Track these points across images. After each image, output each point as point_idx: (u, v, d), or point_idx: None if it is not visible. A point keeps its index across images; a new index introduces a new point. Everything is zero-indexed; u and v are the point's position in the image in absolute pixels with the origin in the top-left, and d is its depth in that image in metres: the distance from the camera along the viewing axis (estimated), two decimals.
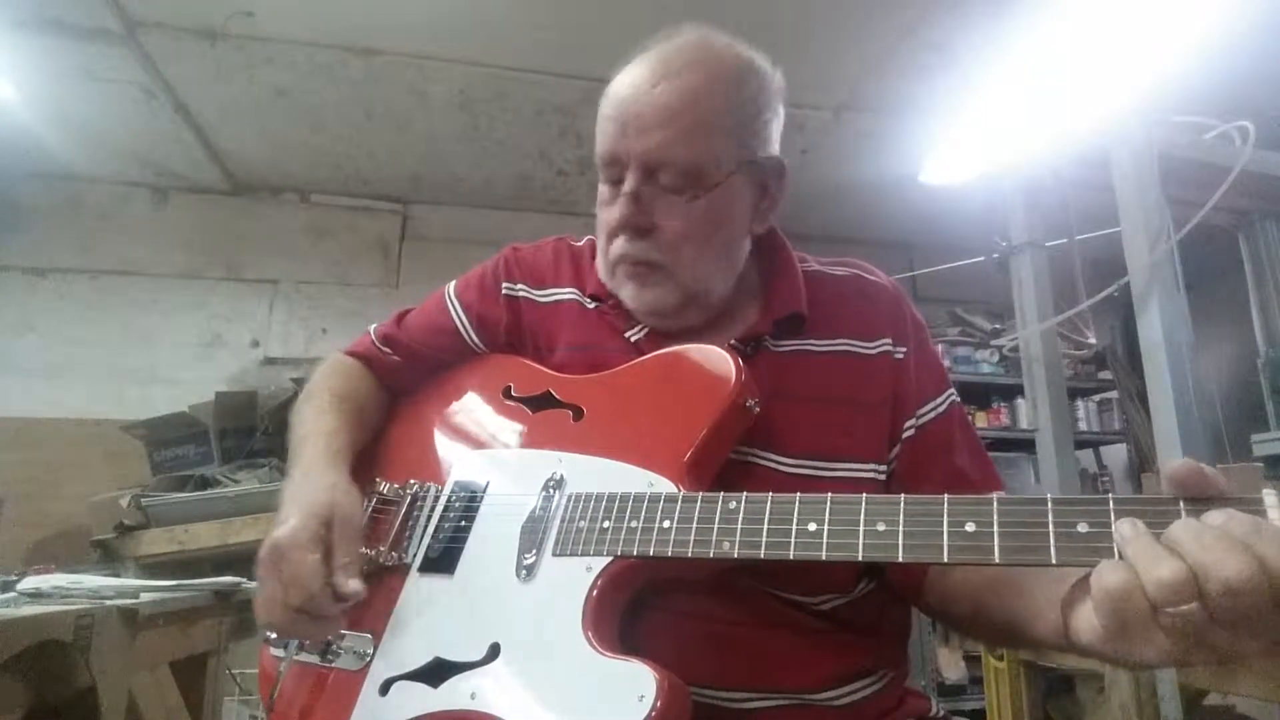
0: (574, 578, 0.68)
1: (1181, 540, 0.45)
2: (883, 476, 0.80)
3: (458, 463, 0.86)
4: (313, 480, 0.79)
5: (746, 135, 0.81)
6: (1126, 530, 0.49)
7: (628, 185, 0.79)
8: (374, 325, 1.03)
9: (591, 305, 0.91)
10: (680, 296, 0.83)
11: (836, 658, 0.75)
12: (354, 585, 0.70)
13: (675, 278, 0.82)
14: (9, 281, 3.44)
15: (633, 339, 0.87)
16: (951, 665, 3.22)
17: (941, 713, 0.82)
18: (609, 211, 0.83)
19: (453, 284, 1.00)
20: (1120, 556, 0.48)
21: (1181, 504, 0.49)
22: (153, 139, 3.26)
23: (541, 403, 0.86)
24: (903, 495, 0.59)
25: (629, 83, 0.80)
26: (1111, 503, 0.51)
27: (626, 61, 0.83)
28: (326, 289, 3.79)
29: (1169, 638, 0.46)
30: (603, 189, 0.84)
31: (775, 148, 0.85)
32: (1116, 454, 4.27)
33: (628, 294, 0.84)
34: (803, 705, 0.72)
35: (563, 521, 0.72)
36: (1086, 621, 0.52)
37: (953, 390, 0.89)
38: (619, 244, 0.82)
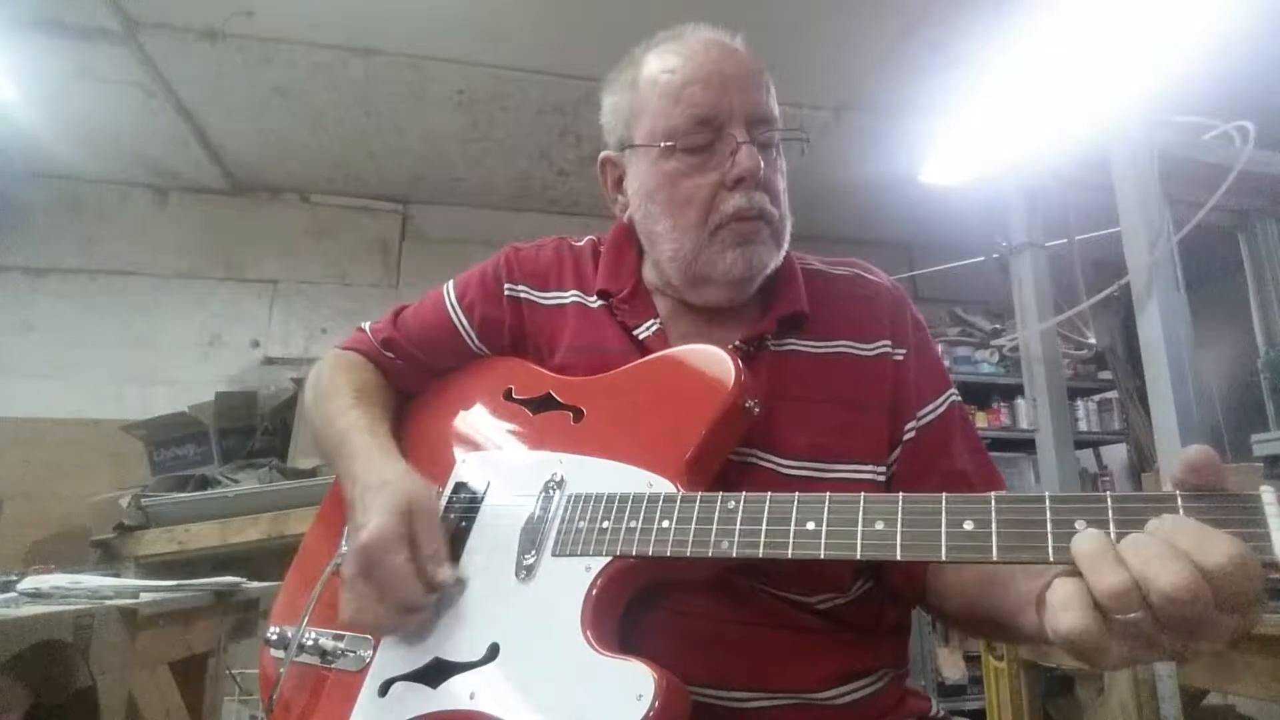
0: (573, 578, 0.68)
1: (1127, 553, 0.46)
2: (882, 478, 0.80)
3: (458, 464, 0.86)
4: (379, 473, 0.78)
5: None
6: (1083, 545, 0.49)
7: (744, 136, 0.81)
8: (368, 323, 1.02)
9: (596, 304, 0.90)
10: (776, 254, 0.85)
11: (836, 657, 0.75)
12: (445, 573, 0.72)
13: (778, 235, 0.84)
14: (9, 281, 3.45)
15: (641, 336, 0.86)
16: (951, 665, 3.22)
17: (941, 713, 0.82)
18: (702, 176, 0.82)
19: (450, 286, 0.99)
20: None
21: (1179, 499, 0.49)
22: (153, 139, 3.26)
23: (542, 404, 0.85)
24: (901, 494, 0.59)
25: (703, 50, 0.83)
26: (1109, 500, 0.51)
27: (653, 47, 0.87)
28: (326, 289, 3.79)
29: (1122, 642, 0.47)
30: (678, 161, 0.82)
31: None
32: (1116, 454, 4.27)
33: (731, 259, 0.82)
34: (802, 705, 0.72)
35: (562, 522, 0.72)
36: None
37: (953, 390, 0.89)
38: (737, 198, 0.81)
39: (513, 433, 0.86)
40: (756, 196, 0.81)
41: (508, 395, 0.89)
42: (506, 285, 0.95)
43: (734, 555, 0.63)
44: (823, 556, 0.60)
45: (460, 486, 0.83)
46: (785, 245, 0.87)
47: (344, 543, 0.82)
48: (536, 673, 0.65)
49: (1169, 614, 0.44)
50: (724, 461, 0.75)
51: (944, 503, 0.57)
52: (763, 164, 0.80)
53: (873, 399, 0.82)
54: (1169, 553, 0.45)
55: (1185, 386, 1.72)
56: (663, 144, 0.82)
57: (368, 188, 3.82)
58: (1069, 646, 0.48)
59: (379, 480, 0.77)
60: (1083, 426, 3.94)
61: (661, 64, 0.84)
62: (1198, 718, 1.54)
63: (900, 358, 0.86)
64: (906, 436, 0.83)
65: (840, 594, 0.77)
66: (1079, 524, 0.51)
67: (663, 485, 0.70)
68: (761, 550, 0.62)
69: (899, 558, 0.57)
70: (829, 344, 0.85)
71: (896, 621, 0.83)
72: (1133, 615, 0.45)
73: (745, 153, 0.80)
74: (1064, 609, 0.47)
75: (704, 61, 0.82)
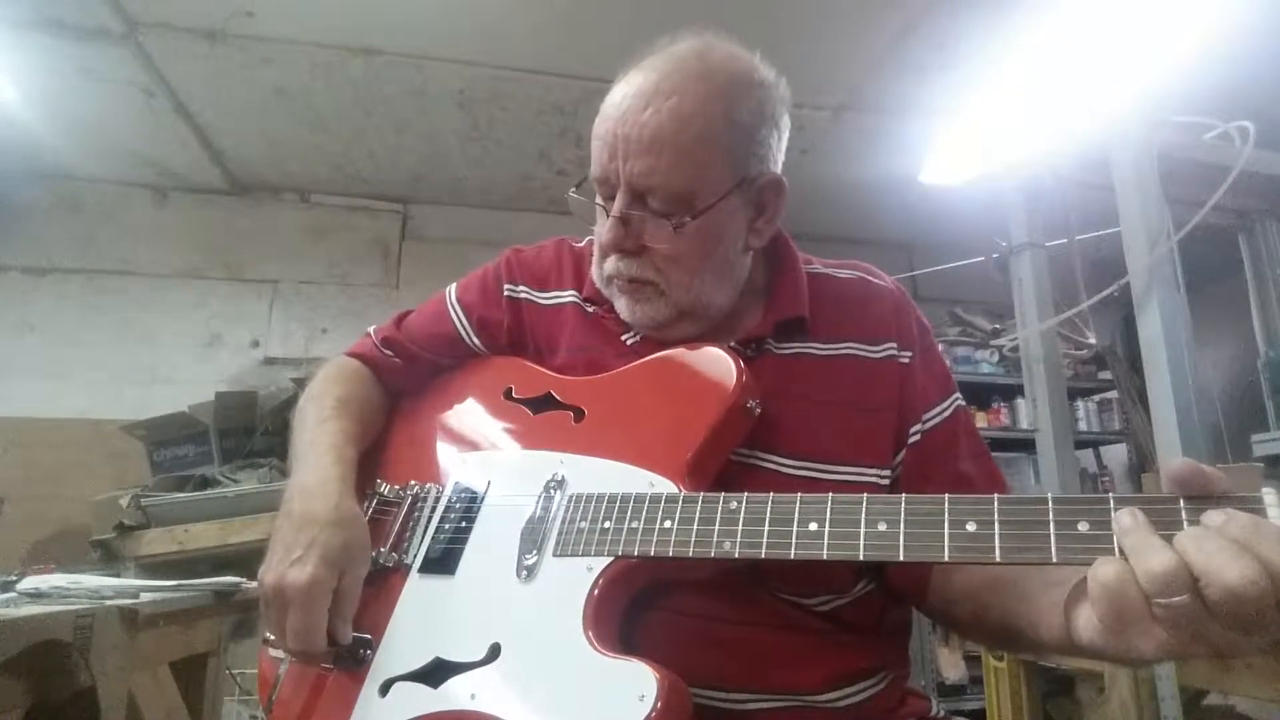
0: (575, 578, 0.68)
1: (1186, 547, 0.46)
2: (885, 480, 0.80)
3: (459, 464, 0.86)
4: (327, 506, 0.77)
5: (741, 155, 0.79)
6: (1126, 521, 0.50)
7: (615, 208, 0.79)
8: (373, 327, 1.03)
9: (590, 309, 0.91)
10: (673, 312, 0.83)
11: (837, 658, 0.75)
12: (349, 637, 0.74)
13: (667, 296, 0.82)
14: (9, 281, 3.44)
15: (629, 343, 0.87)
16: (951, 665, 3.22)
17: (942, 713, 0.82)
18: (601, 229, 0.83)
19: (453, 287, 1.00)
20: (1118, 547, 0.49)
21: (1181, 502, 0.50)
22: (153, 139, 3.26)
23: (542, 404, 0.85)
24: (904, 495, 0.59)
25: (619, 103, 0.79)
26: (1112, 502, 0.51)
27: (625, 70, 0.82)
28: (326, 289, 3.79)
29: (1165, 630, 0.47)
30: (599, 204, 0.83)
31: (775, 162, 0.84)
32: (1116, 454, 4.27)
33: (621, 308, 0.85)
34: (803, 707, 0.72)
35: (563, 522, 0.72)
36: (1086, 619, 0.53)
37: (958, 394, 0.89)
38: (610, 262, 0.83)
39: (513, 432, 0.86)
40: (624, 264, 0.81)
41: (508, 395, 0.89)
42: (506, 286, 0.96)
43: (736, 556, 0.63)
44: (825, 557, 0.60)
45: (461, 486, 0.83)
46: (690, 300, 0.82)
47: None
48: (538, 673, 0.65)
49: (1228, 611, 0.44)
50: (726, 462, 0.75)
51: (947, 504, 0.57)
52: (627, 236, 0.80)
53: (880, 401, 0.82)
54: (1233, 546, 0.45)
55: (1185, 386, 1.72)
56: (593, 182, 0.83)
57: (368, 188, 3.82)
58: (1102, 619, 0.48)
59: (326, 518, 0.76)
60: (1083, 426, 3.94)
61: (605, 102, 0.82)
62: (1198, 718, 1.54)
63: (906, 360, 0.85)
64: (912, 440, 0.82)
65: (841, 595, 0.77)
66: (1081, 525, 0.51)
67: (664, 485, 0.70)
68: (764, 551, 0.62)
69: (902, 558, 0.57)
70: (835, 346, 0.85)
71: (897, 623, 0.83)
72: (1177, 600, 0.45)
73: (607, 225, 0.80)
74: (1102, 564, 0.48)
75: (609, 116, 0.79)
